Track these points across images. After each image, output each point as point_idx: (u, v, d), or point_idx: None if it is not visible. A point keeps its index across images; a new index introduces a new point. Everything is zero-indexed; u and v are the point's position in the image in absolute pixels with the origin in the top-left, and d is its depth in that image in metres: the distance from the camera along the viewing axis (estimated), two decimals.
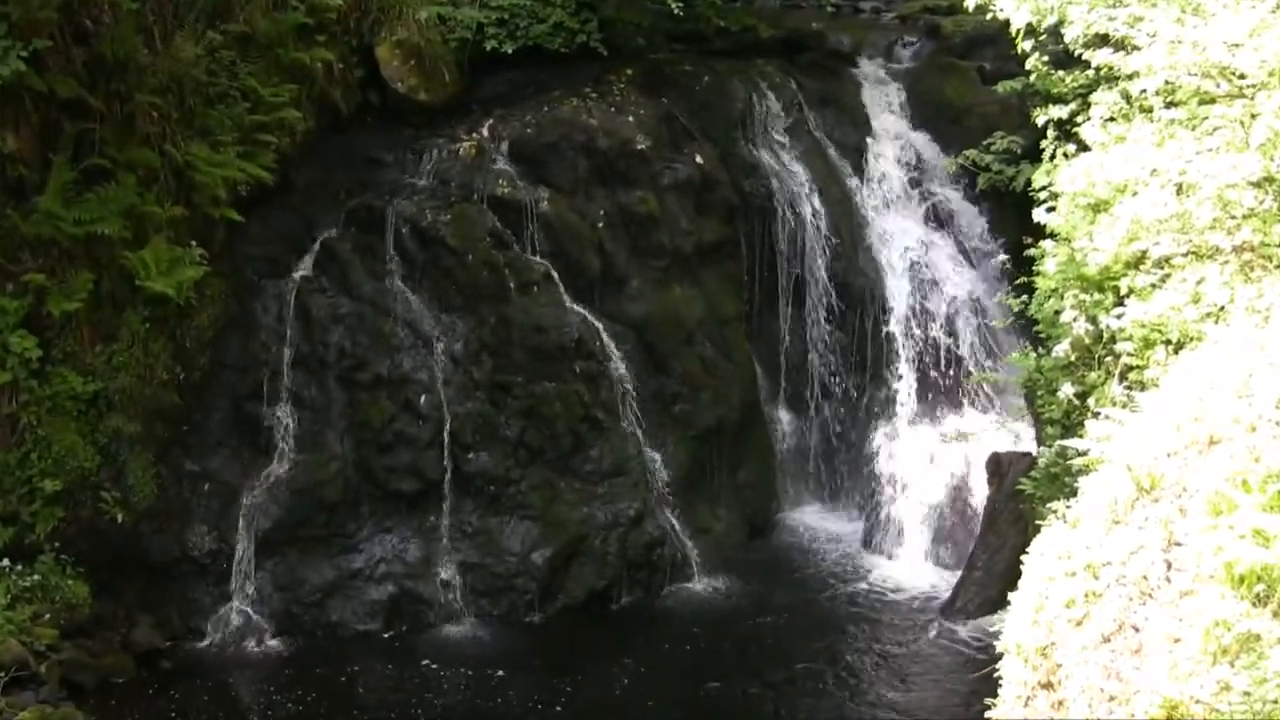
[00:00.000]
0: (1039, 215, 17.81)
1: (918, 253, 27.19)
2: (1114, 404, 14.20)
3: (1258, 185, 13.23)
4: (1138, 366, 14.55)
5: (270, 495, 22.32)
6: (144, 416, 21.78)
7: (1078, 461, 13.67)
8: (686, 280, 25.72)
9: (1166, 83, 14.58)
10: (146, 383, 21.79)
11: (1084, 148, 17.08)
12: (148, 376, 21.80)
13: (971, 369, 26.30)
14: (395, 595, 22.25)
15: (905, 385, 26.50)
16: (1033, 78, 20.55)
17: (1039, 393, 17.58)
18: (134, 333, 21.71)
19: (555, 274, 24.19)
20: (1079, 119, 17.75)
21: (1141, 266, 14.79)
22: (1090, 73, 17.46)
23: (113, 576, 21.27)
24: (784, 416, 27.00)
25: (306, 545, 22.32)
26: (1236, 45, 13.36)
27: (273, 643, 21.66)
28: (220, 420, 22.74)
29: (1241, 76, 13.69)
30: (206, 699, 19.97)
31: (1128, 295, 14.87)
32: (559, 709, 19.52)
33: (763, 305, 26.83)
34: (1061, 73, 19.41)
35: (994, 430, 24.58)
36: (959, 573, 22.61)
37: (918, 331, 26.60)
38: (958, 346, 26.55)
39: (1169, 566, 9.81)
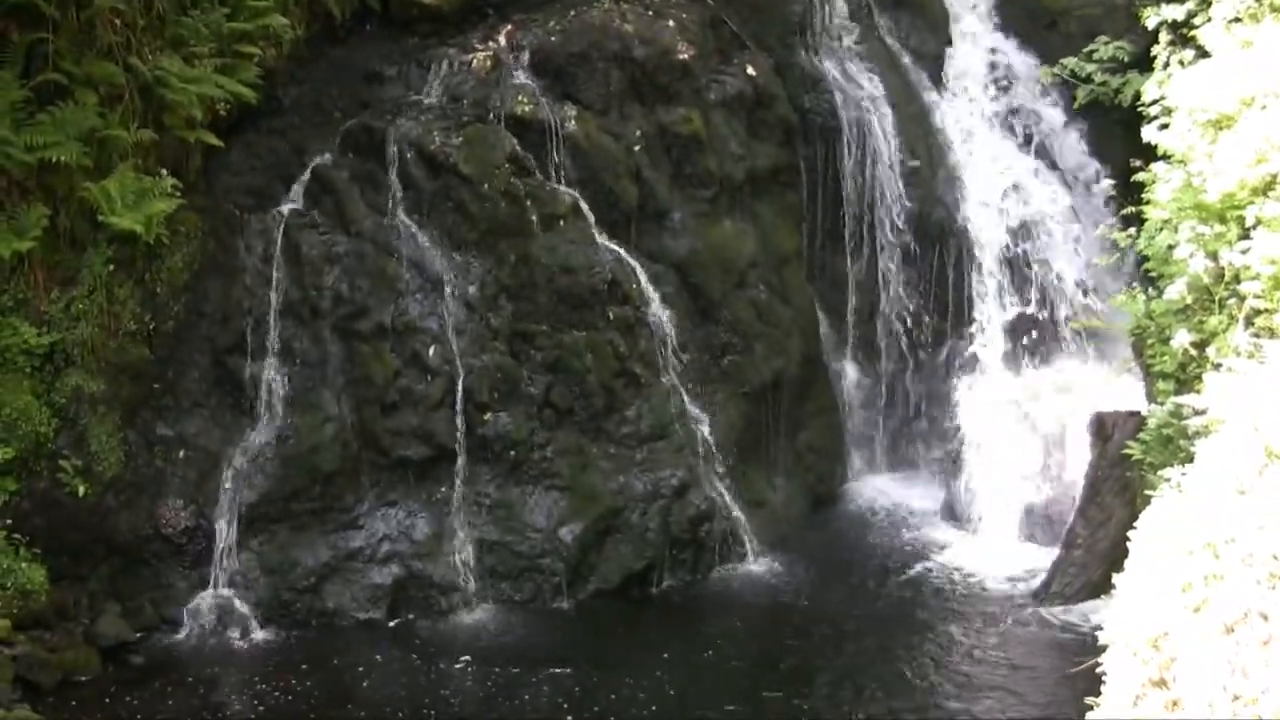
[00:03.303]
0: (1149, 134, 17.66)
1: (1006, 178, 27.08)
2: (1238, 354, 14.07)
3: None
4: (1266, 310, 14.41)
5: (256, 464, 22.34)
6: (108, 373, 21.76)
7: (1194, 421, 13.58)
8: (737, 212, 25.63)
9: None
10: (111, 334, 21.77)
11: (1203, 54, 16.93)
12: (112, 327, 21.78)
13: (1070, 314, 26.17)
14: (401, 578, 22.25)
15: (992, 333, 26.42)
16: None
17: (1149, 341, 17.47)
18: (96, 276, 21.67)
19: (585, 206, 24.14)
20: (1197, 20, 17.58)
21: (1271, 193, 14.65)
22: None
23: (74, 559, 21.28)
24: (851, 370, 27.00)
25: (298, 521, 22.34)
26: None
27: (260, 634, 21.66)
28: (197, 377, 22.72)
29: None
30: (182, 699, 19.89)
31: (1255, 226, 14.73)
32: (591, 709, 19.43)
33: (826, 241, 26.79)
34: None
35: (1096, 385, 24.46)
36: (1055, 551, 22.50)
37: (1006, 270, 26.49)
38: (1053, 287, 26.41)
39: None
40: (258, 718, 19.55)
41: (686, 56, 25.46)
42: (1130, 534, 11.89)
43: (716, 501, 23.68)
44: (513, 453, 22.94)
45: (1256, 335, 14.39)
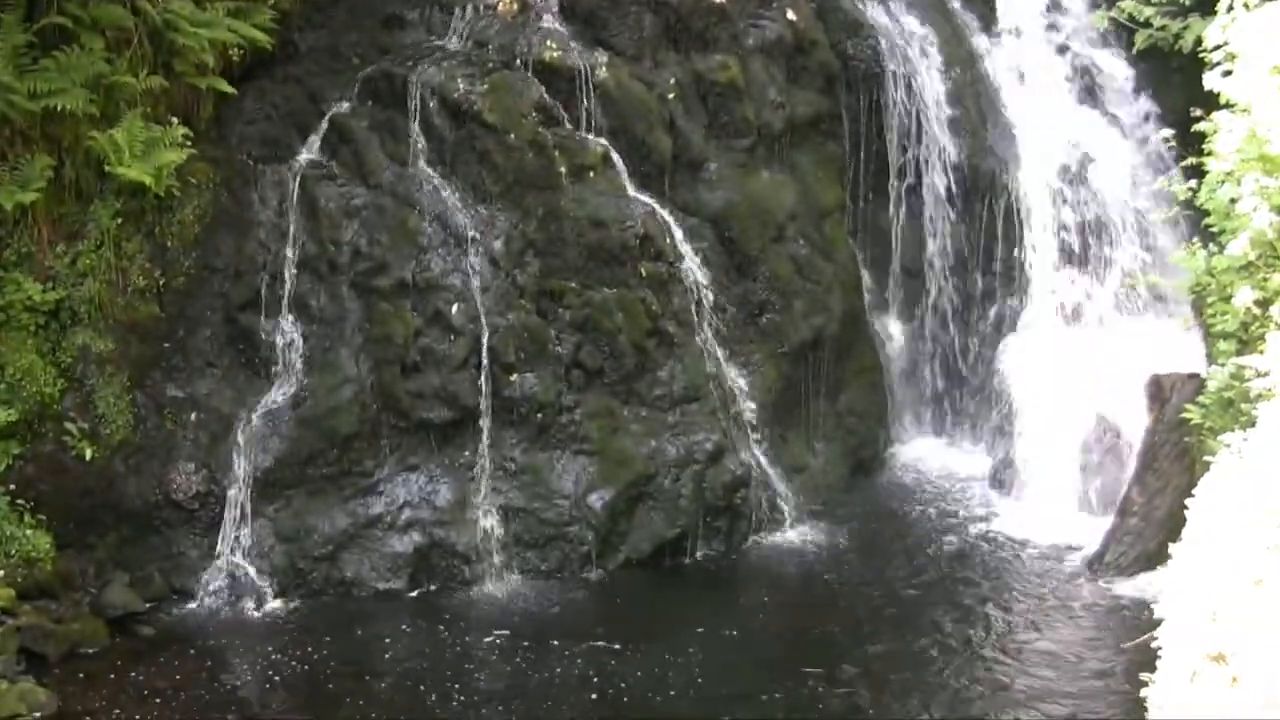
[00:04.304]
0: (1211, 81, 17.51)
1: (1059, 127, 26.91)
2: None
3: None
4: None
5: (271, 426, 22.33)
6: (116, 331, 21.78)
7: (1257, 384, 13.49)
8: (776, 163, 25.54)
9: None
10: (119, 290, 21.79)
11: None
12: (120, 283, 21.79)
13: (1126, 271, 26.04)
14: (423, 547, 22.23)
15: (1044, 290, 26.28)
16: None
17: (1210, 299, 17.36)
18: (103, 230, 21.68)
19: (615, 156, 24.06)
20: None
21: None
22: None
23: (80, 526, 21.31)
24: (895, 328, 26.94)
25: (315, 487, 22.34)
26: None
27: (274, 604, 21.67)
28: (209, 336, 22.73)
29: None
30: (194, 671, 19.85)
31: None
32: (620, 684, 19.40)
33: (869, 193, 26.71)
34: None
35: (1153, 346, 24.33)
36: (1109, 519, 22.43)
37: (1059, 223, 26.34)
38: (1109, 243, 26.27)
39: None
40: (272, 690, 19.52)
41: (723, 0, 25.36)
42: (1188, 502, 11.83)
43: (753, 467, 23.63)
44: (539, 415, 22.89)
45: None
